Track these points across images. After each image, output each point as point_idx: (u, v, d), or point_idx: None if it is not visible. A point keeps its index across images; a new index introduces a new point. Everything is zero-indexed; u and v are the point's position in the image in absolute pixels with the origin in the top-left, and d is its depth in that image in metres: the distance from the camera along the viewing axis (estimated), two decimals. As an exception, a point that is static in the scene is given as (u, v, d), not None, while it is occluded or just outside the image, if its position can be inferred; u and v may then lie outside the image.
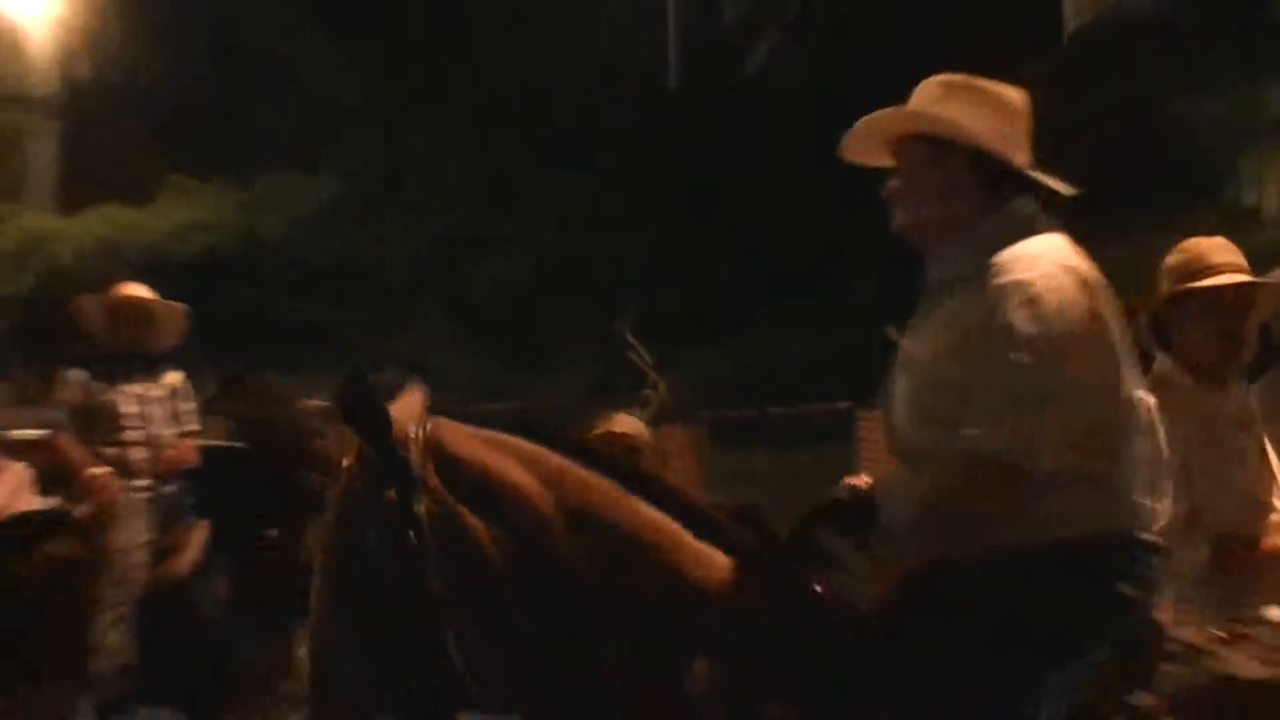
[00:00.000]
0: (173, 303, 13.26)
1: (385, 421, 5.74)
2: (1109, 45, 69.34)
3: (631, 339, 31.37)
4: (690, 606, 5.82)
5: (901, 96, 6.28)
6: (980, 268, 5.92)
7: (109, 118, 62.72)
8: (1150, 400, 6.13)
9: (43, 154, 66.47)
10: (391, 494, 5.59)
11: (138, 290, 12.75)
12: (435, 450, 5.84)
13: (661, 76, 56.60)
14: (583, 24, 63.34)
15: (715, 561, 5.95)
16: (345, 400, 5.76)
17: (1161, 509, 6.06)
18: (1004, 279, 5.83)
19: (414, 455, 5.73)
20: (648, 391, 31.75)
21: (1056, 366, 5.67)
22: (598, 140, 55.44)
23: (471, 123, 61.34)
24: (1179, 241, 10.58)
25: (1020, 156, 6.31)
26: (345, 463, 5.94)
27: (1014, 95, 6.21)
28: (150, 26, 61.36)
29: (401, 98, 65.28)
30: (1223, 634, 6.40)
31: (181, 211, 60.74)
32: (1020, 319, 5.66)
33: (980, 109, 6.12)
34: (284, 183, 61.28)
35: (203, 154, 61.82)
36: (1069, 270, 5.89)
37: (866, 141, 6.27)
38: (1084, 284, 5.92)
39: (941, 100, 6.19)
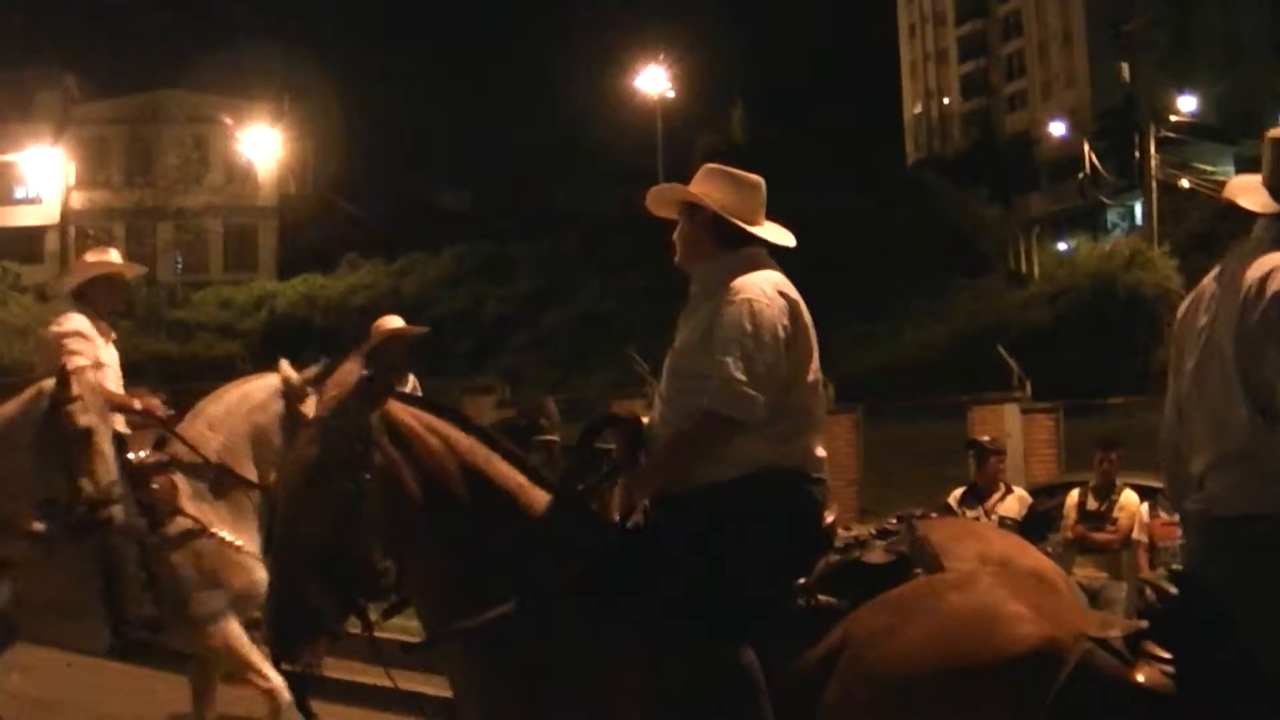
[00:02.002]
0: (416, 327, 12.70)
1: (371, 399, 5.77)
2: (934, 174, 77.95)
3: (636, 357, 31.49)
4: (522, 520, 5.81)
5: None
6: (718, 288, 5.71)
7: (308, 219, 72.27)
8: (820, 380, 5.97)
9: (268, 242, 74.81)
10: (359, 447, 5.62)
11: (396, 321, 12.50)
12: (388, 419, 5.78)
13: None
14: (610, 163, 73.39)
15: (537, 495, 5.88)
16: (361, 385, 5.74)
17: (821, 455, 5.87)
18: (733, 295, 5.60)
19: (375, 422, 5.71)
20: (645, 389, 28.78)
21: (748, 345, 5.53)
22: (616, 235, 63.07)
23: (539, 225, 69.66)
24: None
25: (753, 219, 5.94)
26: (320, 416, 5.90)
27: (753, 178, 5.94)
28: (335, 162, 70.34)
29: (495, 209, 73.82)
30: (873, 529, 5.74)
31: (352, 278, 68.96)
32: (736, 320, 5.54)
33: (724, 187, 5.88)
34: (418, 260, 69.31)
35: (365, 241, 70.58)
36: (771, 284, 5.68)
37: (659, 203, 6.04)
38: (781, 292, 5.70)
39: (702, 180, 5.94)
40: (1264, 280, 4.78)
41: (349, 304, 64.49)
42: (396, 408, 5.98)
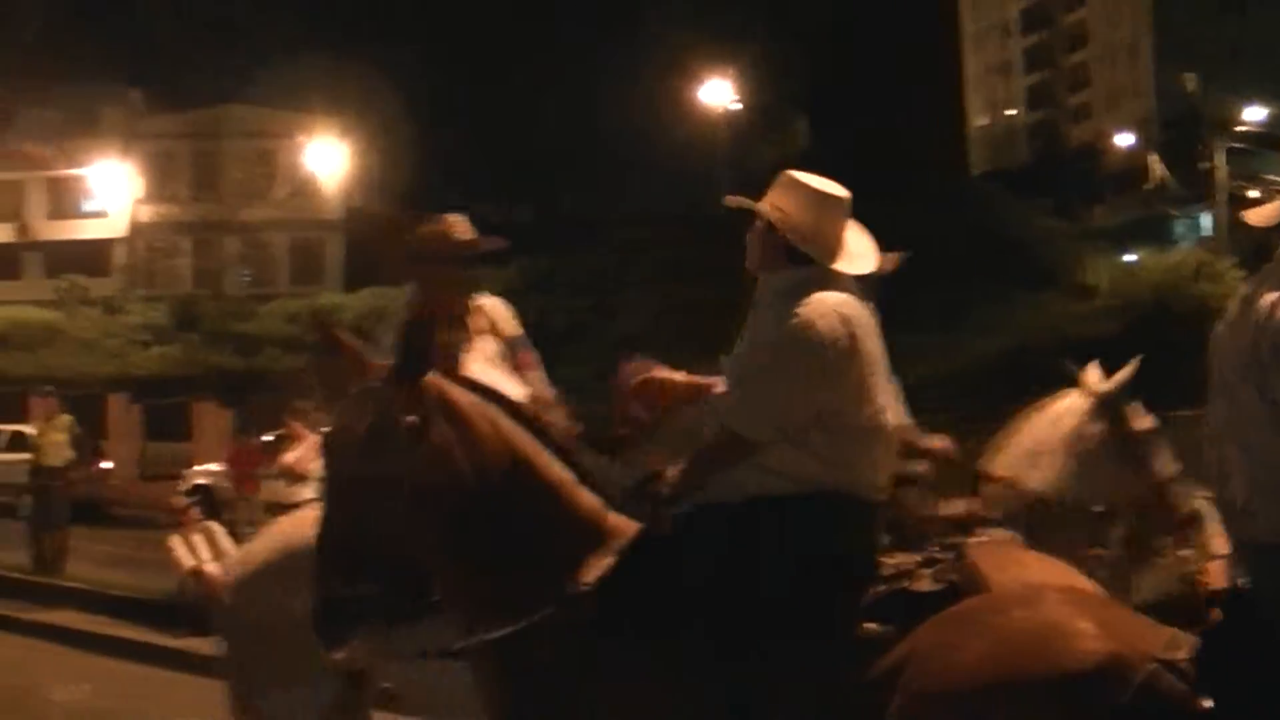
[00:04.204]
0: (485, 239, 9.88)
1: (421, 370, 5.57)
2: (999, 186, 78.03)
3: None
4: (566, 520, 5.64)
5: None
6: (775, 301, 5.64)
7: (373, 232, 71.18)
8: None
9: (334, 255, 75.53)
10: (410, 419, 5.41)
11: (463, 226, 9.50)
12: (440, 395, 5.57)
13: (711, 206, 64.82)
14: (673, 174, 74.11)
15: (583, 495, 5.74)
16: (404, 354, 5.58)
17: (879, 477, 5.73)
18: (785, 313, 5.50)
19: (430, 397, 5.52)
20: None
21: (783, 367, 5.46)
22: (680, 246, 64.77)
23: (603, 237, 70.76)
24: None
25: (828, 237, 5.74)
26: (364, 388, 5.60)
27: (835, 193, 5.75)
28: (400, 175, 70.73)
29: (559, 220, 75.00)
30: (919, 558, 5.57)
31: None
32: (777, 339, 5.50)
33: (801, 202, 5.69)
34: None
35: (430, 253, 71.96)
36: (835, 310, 5.50)
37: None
38: (844, 318, 5.52)
39: (779, 192, 5.76)
40: (1274, 307, 4.71)
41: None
42: (450, 385, 5.79)
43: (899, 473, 6.45)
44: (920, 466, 7.57)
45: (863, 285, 5.91)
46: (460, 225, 7.85)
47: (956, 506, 7.47)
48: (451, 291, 7.76)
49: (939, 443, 8.05)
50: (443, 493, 5.57)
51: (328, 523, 5.57)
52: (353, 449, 5.54)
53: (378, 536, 5.43)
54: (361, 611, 5.45)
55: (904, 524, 6.34)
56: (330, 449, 5.75)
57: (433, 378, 5.69)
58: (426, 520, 5.56)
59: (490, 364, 7.56)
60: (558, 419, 6.48)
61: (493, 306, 7.91)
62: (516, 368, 7.70)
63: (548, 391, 7.42)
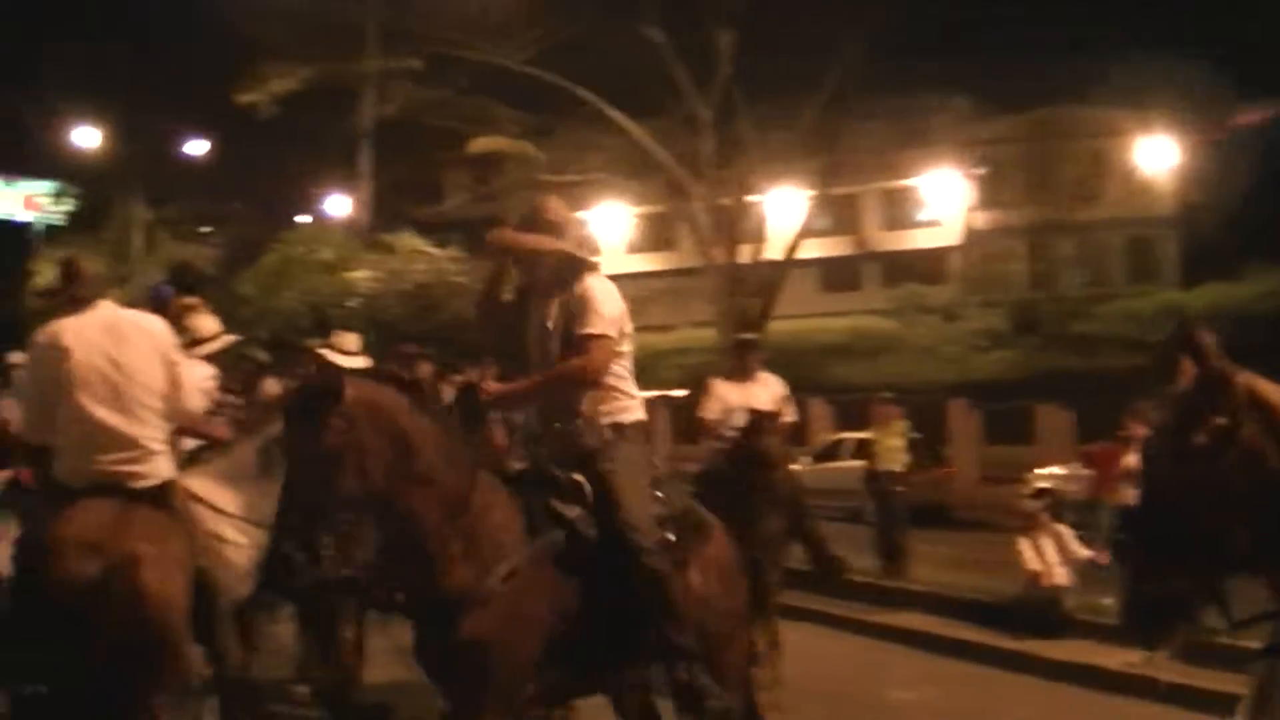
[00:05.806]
0: None
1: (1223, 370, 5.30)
2: None
3: None
4: None
5: None
6: None
7: (1211, 227, 68.08)
8: None
9: (1169, 253, 74.41)
10: (1219, 420, 5.18)
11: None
12: (1251, 396, 5.29)
13: None
14: None
15: None
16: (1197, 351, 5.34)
17: None
18: None
19: (1239, 398, 5.24)
20: None
21: None
22: None
23: None
24: None
25: None
26: (1179, 391, 5.41)
27: None
28: (1237, 168, 68.44)
29: None
30: None
31: (1258, 285, 65.19)
32: None
33: None
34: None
35: (1272, 247, 65.38)
36: None
37: None
38: None
39: None
40: None
41: (1252, 313, 60.10)
42: (1263, 385, 5.55)
43: None
44: None
45: None
46: None
47: None
48: None
49: None
50: (1253, 495, 5.38)
51: (1142, 526, 5.54)
52: (1166, 450, 5.52)
53: (1192, 537, 5.35)
54: (1177, 610, 5.45)
55: None
56: (1146, 450, 5.80)
57: (1244, 377, 5.50)
58: (1238, 523, 5.40)
59: None
60: None
61: None
62: None
63: None
